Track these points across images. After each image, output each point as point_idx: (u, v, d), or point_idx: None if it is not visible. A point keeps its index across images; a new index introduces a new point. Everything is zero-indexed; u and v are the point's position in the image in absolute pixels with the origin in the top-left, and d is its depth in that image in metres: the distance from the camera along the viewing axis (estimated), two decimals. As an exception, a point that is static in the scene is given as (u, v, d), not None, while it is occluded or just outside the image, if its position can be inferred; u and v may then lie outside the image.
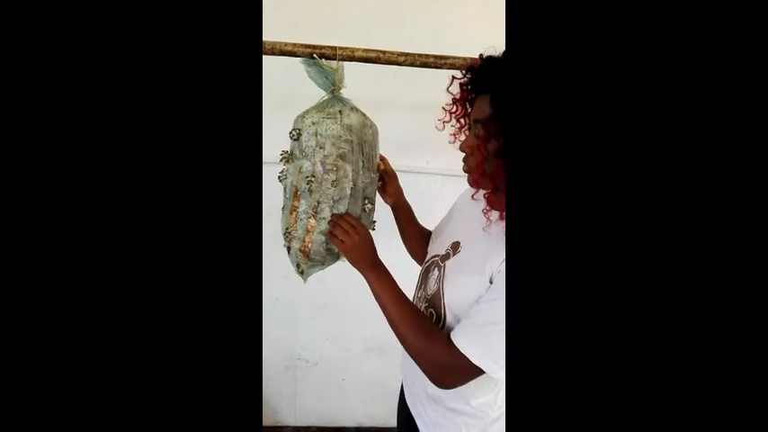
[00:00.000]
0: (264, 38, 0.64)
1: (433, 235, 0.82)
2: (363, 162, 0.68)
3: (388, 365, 1.50)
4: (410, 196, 0.84)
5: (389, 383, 1.50)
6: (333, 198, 0.67)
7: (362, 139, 0.68)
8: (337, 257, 0.72)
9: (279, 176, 0.73)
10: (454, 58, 0.75)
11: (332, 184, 0.67)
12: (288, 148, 0.72)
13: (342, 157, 0.67)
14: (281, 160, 0.73)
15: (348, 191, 0.67)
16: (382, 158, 0.80)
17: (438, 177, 1.27)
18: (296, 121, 0.71)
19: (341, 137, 0.67)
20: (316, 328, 1.48)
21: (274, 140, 0.76)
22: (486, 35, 0.59)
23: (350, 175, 0.67)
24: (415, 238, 0.85)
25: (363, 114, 0.71)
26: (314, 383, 1.54)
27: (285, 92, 1.00)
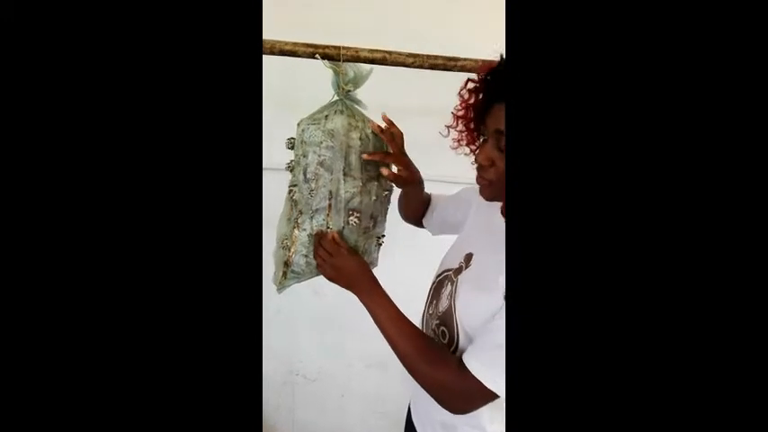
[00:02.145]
0: (264, 37, 0.61)
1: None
2: (346, 170, 0.62)
3: (388, 382, 1.46)
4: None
5: (390, 400, 1.46)
6: (312, 208, 0.62)
7: (347, 145, 0.62)
8: (317, 273, 0.66)
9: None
10: (465, 59, 0.70)
11: (310, 194, 0.62)
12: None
13: (321, 164, 0.61)
14: (287, 169, 0.69)
15: (326, 201, 0.62)
16: (388, 123, 0.68)
17: (444, 185, 1.24)
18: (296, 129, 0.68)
19: (322, 143, 0.61)
20: (315, 343, 1.45)
21: (276, 146, 0.72)
22: (500, 36, 0.55)
23: (328, 184, 0.62)
24: (415, 204, 0.82)
25: (354, 116, 0.65)
26: (313, 399, 1.50)
27: (292, 95, 0.97)
